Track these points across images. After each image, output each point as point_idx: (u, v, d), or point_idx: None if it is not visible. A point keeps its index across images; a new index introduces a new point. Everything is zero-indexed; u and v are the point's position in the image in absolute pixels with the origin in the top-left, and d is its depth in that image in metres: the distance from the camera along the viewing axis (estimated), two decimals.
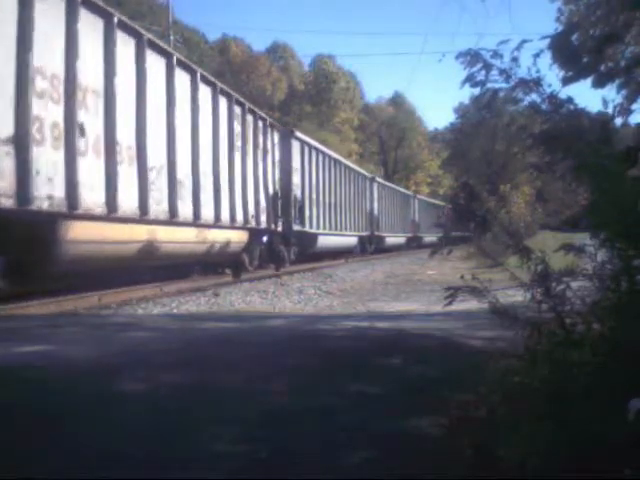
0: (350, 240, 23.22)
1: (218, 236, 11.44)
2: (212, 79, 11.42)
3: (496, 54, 2.29)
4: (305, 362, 3.84)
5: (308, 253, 18.10)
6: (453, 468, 2.06)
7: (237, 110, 12.47)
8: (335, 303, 9.71)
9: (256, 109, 13.92)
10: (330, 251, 20.66)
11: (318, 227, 18.53)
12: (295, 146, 16.79)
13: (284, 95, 53.07)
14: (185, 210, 9.97)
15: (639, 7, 2.74)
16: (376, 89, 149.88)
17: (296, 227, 16.27)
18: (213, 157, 11.21)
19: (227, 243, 11.95)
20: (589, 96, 3.17)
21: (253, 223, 13.12)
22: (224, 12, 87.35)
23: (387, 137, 61.44)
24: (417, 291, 11.57)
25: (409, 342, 4.54)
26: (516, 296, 2.35)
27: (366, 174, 27.17)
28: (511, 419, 2.02)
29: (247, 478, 2.12)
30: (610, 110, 2.97)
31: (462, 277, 2.54)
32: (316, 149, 19.05)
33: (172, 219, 9.53)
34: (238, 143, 12.47)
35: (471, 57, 2.30)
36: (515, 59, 2.29)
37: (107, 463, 2.22)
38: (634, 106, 3.23)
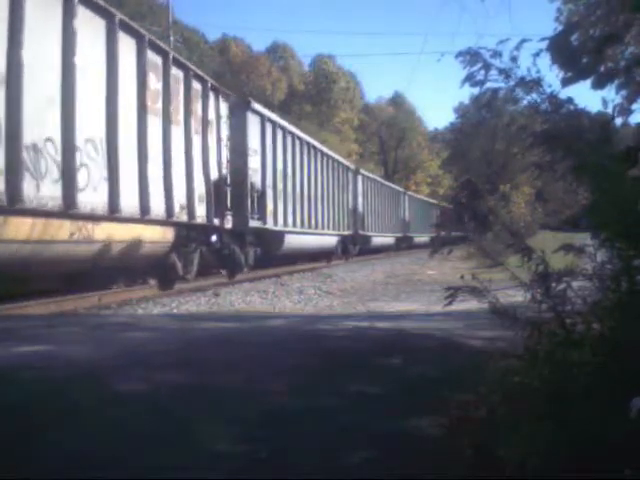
0: (328, 240, 19.70)
1: (117, 233, 8.04)
2: (105, 6, 7.76)
3: (496, 53, 2.29)
4: (305, 362, 3.84)
5: (274, 256, 14.74)
6: (453, 468, 2.06)
7: (155, 59, 8.91)
8: (335, 303, 9.72)
9: (190, 64, 10.29)
10: (303, 253, 17.56)
11: (285, 224, 14.82)
12: (253, 121, 12.94)
13: (284, 95, 53.06)
14: (45, 192, 6.54)
15: (639, 10, 2.74)
16: (376, 89, 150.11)
17: (254, 223, 12.75)
18: (107, 119, 7.72)
19: (136, 243, 8.55)
20: (589, 97, 3.17)
21: (184, 217, 9.67)
22: (224, 12, 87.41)
23: (387, 137, 61.44)
24: (417, 291, 11.58)
25: (409, 342, 4.54)
26: (516, 296, 2.35)
27: (349, 165, 23.41)
28: (511, 419, 2.01)
29: (247, 478, 2.12)
30: (610, 110, 2.98)
31: (462, 277, 2.54)
32: (283, 128, 15.03)
33: (13, 206, 6.09)
34: (157, 105, 8.91)
35: (471, 56, 2.30)
36: (514, 59, 2.30)
37: (107, 463, 2.22)
38: (634, 106, 3.24)
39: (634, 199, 2.05)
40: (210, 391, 3.14)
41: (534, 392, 2.05)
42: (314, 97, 55.66)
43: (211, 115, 10.96)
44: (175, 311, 8.31)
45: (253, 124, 13.04)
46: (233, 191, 11.83)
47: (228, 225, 11.65)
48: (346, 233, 21.86)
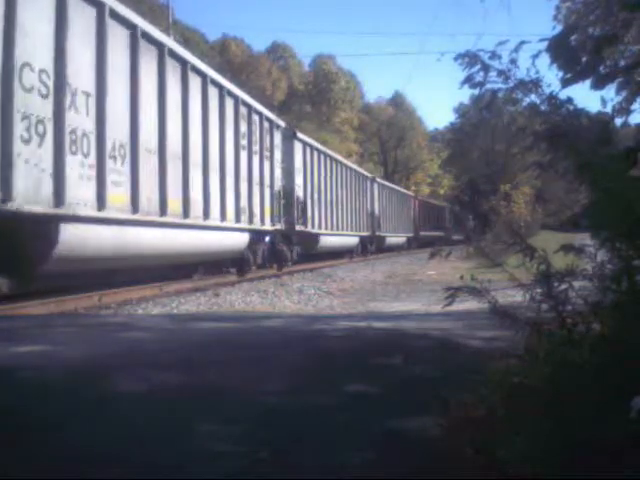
0: (231, 239, 11.38)
1: None
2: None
3: (494, 55, 2.30)
4: (305, 362, 3.84)
5: (36, 274, 6.66)
6: (453, 468, 2.06)
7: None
8: (335, 303, 9.71)
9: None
10: (152, 263, 9.06)
11: (136, 208, 7.90)
12: None
13: (284, 95, 53.06)
14: None
15: (638, 9, 2.74)
16: (376, 89, 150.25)
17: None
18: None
19: None
20: (589, 97, 3.17)
21: None
22: (224, 12, 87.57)
23: (387, 137, 61.45)
24: (417, 291, 11.58)
25: (409, 342, 4.54)
26: (516, 296, 2.35)
27: (275, 119, 14.31)
28: (511, 419, 2.01)
29: (247, 478, 2.12)
30: (609, 110, 2.98)
31: (462, 277, 2.54)
32: (123, 20, 7.72)
33: None
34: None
35: (470, 58, 2.30)
36: (513, 61, 2.30)
37: (106, 463, 2.21)
38: (634, 106, 3.23)
39: (635, 199, 2.05)
40: (209, 391, 3.13)
41: (534, 392, 2.04)
42: (314, 97, 55.68)
43: None
44: (175, 311, 8.31)
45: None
46: None
47: None
48: (269, 228, 13.57)
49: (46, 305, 7.43)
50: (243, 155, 11.98)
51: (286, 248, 15.28)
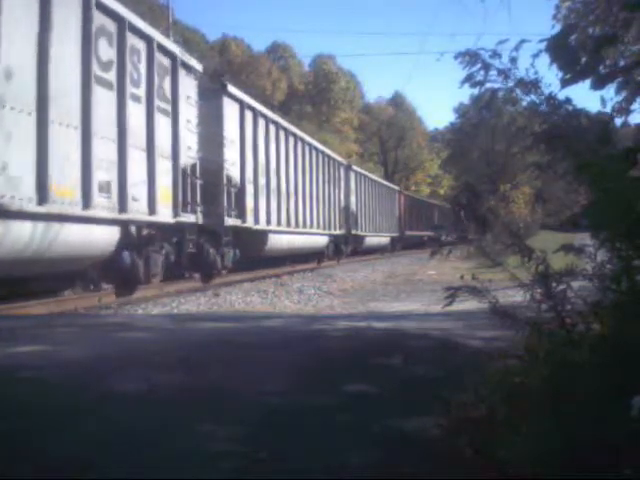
0: (82, 237, 6.94)
1: None
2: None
3: (495, 54, 2.30)
4: (305, 362, 3.84)
5: None
6: (453, 468, 2.06)
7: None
8: (335, 303, 9.72)
9: None
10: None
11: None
12: None
13: (284, 95, 53.07)
14: None
15: (638, 9, 2.74)
16: (376, 89, 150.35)
17: None
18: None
19: None
20: (588, 97, 3.17)
21: None
22: (224, 12, 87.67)
23: (387, 137, 61.45)
24: (417, 291, 11.59)
25: (409, 342, 4.54)
26: (516, 296, 2.35)
27: (182, 56, 9.29)
28: (511, 419, 2.01)
29: (247, 478, 2.12)
30: (608, 110, 2.98)
31: (462, 277, 2.54)
32: None
33: None
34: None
35: (470, 57, 2.30)
36: (514, 60, 2.30)
37: (107, 463, 2.21)
38: (633, 106, 3.23)
39: (635, 199, 2.05)
40: (209, 391, 3.13)
41: (534, 392, 2.04)
42: (314, 97, 55.71)
43: None
44: (175, 311, 8.31)
45: None
46: None
47: None
48: (169, 220, 8.94)
49: (46, 305, 7.44)
50: (104, 96, 7.26)
51: (213, 251, 10.61)
